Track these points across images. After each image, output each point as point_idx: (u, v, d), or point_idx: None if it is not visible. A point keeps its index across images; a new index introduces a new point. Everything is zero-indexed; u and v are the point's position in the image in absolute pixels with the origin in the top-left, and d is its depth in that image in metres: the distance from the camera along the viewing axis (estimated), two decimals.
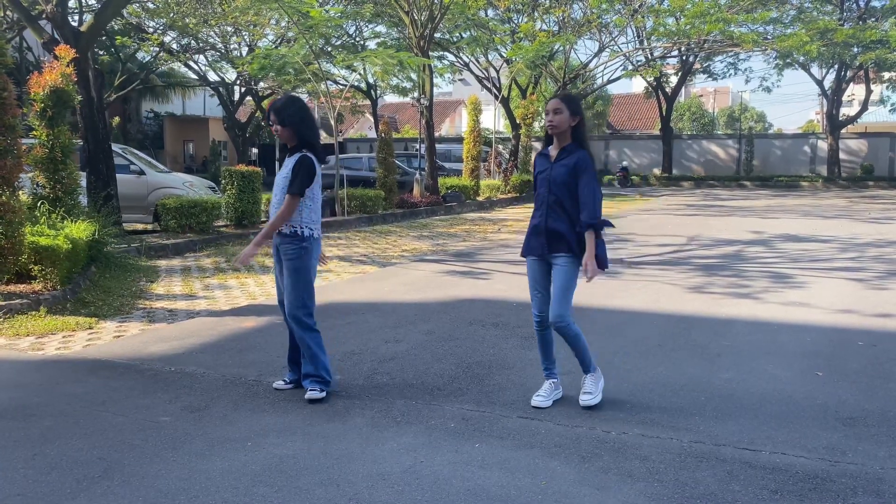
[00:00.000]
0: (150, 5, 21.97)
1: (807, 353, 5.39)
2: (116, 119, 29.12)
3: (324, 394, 4.34)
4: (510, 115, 27.65)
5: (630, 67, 29.10)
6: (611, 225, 4.23)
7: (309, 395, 4.32)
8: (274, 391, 4.52)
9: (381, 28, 25.71)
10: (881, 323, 6.32)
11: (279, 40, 26.14)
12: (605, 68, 27.53)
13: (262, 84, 27.02)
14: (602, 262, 4.09)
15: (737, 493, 3.15)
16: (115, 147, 12.40)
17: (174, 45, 25.37)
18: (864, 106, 32.76)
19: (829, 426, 3.93)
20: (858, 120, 34.00)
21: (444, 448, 3.63)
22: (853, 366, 5.04)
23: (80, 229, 7.87)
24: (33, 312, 6.43)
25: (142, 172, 12.97)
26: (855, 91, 39.06)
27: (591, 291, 7.50)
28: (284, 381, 4.60)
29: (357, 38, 26.11)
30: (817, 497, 3.12)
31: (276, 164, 14.39)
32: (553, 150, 4.21)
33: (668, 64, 33.77)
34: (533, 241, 4.24)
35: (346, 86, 25.16)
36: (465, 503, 3.06)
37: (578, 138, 4.15)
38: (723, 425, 3.93)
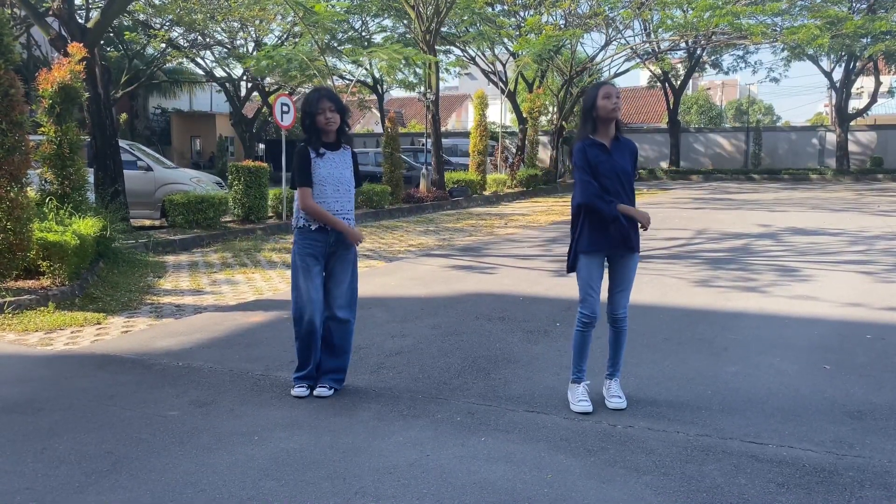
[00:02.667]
0: (157, 1, 21.99)
1: (814, 346, 5.37)
2: (124, 115, 29.20)
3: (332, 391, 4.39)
4: (517, 109, 27.57)
5: (637, 60, 28.97)
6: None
7: (318, 391, 4.35)
8: (281, 385, 4.53)
9: (387, 22, 25.69)
10: (889, 316, 6.29)
11: (285, 35, 26.15)
12: (611, 62, 27.38)
13: (268, 80, 27.03)
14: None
15: (743, 487, 3.14)
16: (123, 143, 12.44)
17: (181, 41, 25.40)
18: (874, 98, 32.53)
19: (836, 419, 3.92)
20: (868, 112, 33.75)
21: (450, 442, 3.64)
22: (861, 359, 5.02)
23: (88, 225, 7.91)
24: (42, 308, 6.47)
25: (149, 168, 13.00)
26: (864, 83, 38.76)
27: None
28: (306, 386, 4.38)
29: (363, 33, 26.08)
30: (824, 490, 3.12)
31: (284, 158, 14.32)
32: (603, 139, 4.01)
33: (675, 58, 33.59)
34: (610, 234, 3.98)
35: (351, 81, 25.15)
36: (471, 497, 3.07)
37: (621, 128, 4.09)
38: (729, 419, 3.93)
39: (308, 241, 4.32)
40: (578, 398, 4.10)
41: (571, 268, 4.19)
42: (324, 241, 4.32)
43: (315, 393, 4.34)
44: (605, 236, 3.99)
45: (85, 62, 9.03)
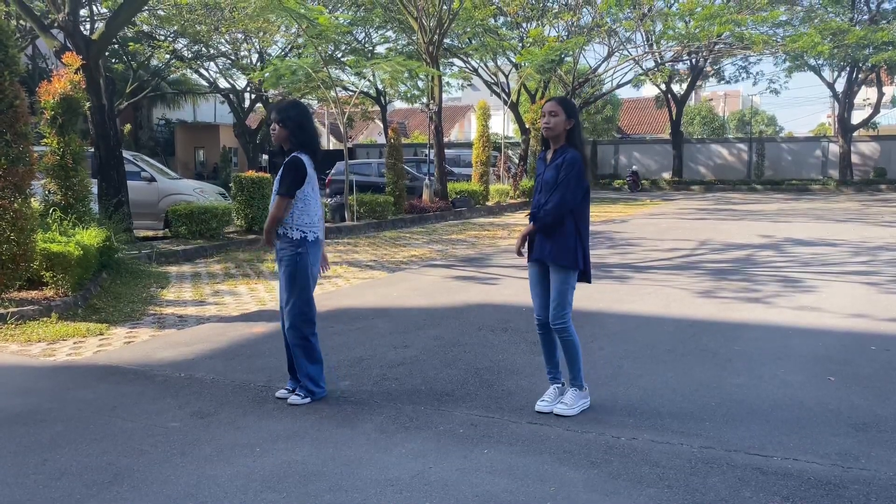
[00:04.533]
0: (161, 13, 22.12)
1: (818, 357, 5.34)
2: (128, 126, 29.33)
3: (307, 400, 4.37)
4: (519, 119, 27.64)
5: (640, 73, 29.04)
6: (546, 223, 4.14)
7: (291, 399, 4.39)
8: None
9: (390, 34, 25.80)
10: (894, 327, 6.25)
11: (289, 47, 26.27)
12: (614, 73, 27.47)
13: (272, 91, 27.14)
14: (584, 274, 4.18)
15: (748, 499, 3.12)
16: (126, 154, 12.48)
17: (185, 53, 25.54)
18: (876, 109, 32.54)
19: (841, 431, 3.89)
20: (870, 123, 33.76)
21: (452, 454, 3.62)
22: (866, 371, 4.99)
23: (92, 236, 7.92)
24: (45, 319, 6.47)
25: (152, 179, 13.04)
26: (868, 94, 38.78)
27: (600, 296, 7.48)
28: (287, 389, 4.56)
29: (366, 44, 26.20)
30: (830, 503, 3.09)
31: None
32: (549, 154, 4.21)
33: (678, 69, 33.66)
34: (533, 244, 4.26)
35: (355, 92, 25.23)
36: None
37: (573, 141, 4.13)
38: (734, 431, 3.90)
39: (317, 251, 4.47)
40: (540, 398, 4.28)
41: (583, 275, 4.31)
42: (318, 244, 4.49)
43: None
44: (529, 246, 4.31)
45: (88, 73, 9.07)
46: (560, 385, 4.30)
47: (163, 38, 23.97)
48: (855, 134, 32.72)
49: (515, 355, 5.44)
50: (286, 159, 4.40)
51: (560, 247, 4.09)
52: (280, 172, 4.38)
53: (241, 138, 29.58)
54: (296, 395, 4.39)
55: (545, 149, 4.26)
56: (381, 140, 38.92)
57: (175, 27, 22.57)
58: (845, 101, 31.99)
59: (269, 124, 4.50)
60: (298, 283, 4.38)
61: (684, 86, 35.36)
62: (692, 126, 50.51)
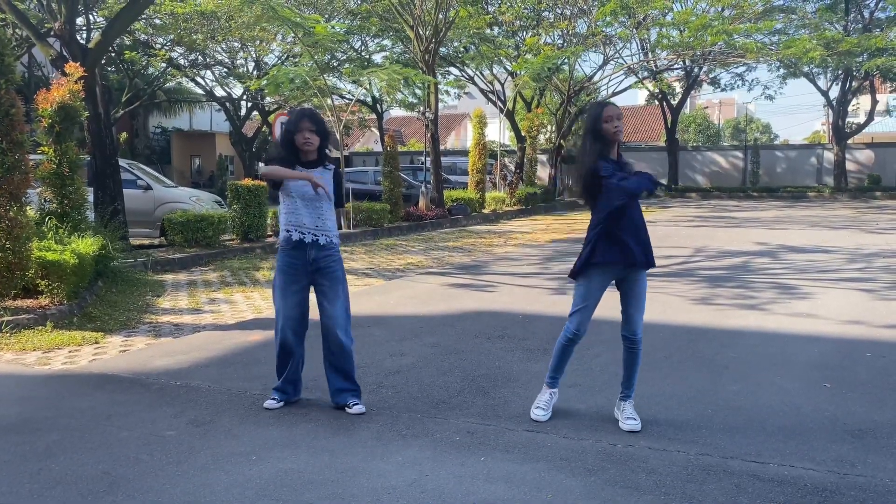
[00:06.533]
0: (157, 21, 22.15)
1: (814, 364, 5.35)
2: (124, 134, 29.30)
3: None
4: (515, 127, 27.69)
5: (635, 80, 29.14)
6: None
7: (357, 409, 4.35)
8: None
9: (386, 42, 25.87)
10: (889, 334, 6.27)
11: (285, 55, 26.31)
12: (609, 80, 27.55)
13: (268, 99, 27.17)
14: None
15: None
16: (122, 162, 12.46)
17: (181, 61, 25.56)
18: (871, 116, 32.67)
19: (837, 438, 3.90)
20: (865, 130, 33.89)
21: (449, 462, 3.62)
22: (861, 377, 5.00)
23: (87, 244, 7.90)
24: (40, 327, 6.44)
25: (149, 187, 13.03)
26: (860, 102, 38.97)
27: None
28: (274, 399, 4.48)
29: (363, 53, 26.25)
30: None
31: None
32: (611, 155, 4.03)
33: (673, 76, 33.78)
34: (627, 248, 4.01)
35: (351, 100, 25.27)
36: None
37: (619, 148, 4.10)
38: (730, 437, 3.91)
39: (286, 257, 4.36)
40: (538, 404, 4.20)
41: (575, 274, 4.14)
42: (302, 258, 4.33)
43: (351, 411, 4.33)
44: (623, 251, 4.00)
45: (85, 82, 9.07)
46: (555, 391, 4.28)
47: (159, 46, 23.97)
48: (850, 141, 32.84)
49: (512, 363, 5.44)
50: (333, 171, 4.38)
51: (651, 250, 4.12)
52: (339, 182, 4.42)
53: (237, 146, 29.55)
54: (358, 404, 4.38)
55: (606, 154, 4.01)
56: (378, 148, 38.92)
57: (171, 36, 22.59)
58: (839, 109, 32.13)
59: (297, 132, 4.25)
60: (345, 283, 4.41)
61: (679, 92, 35.48)
62: (687, 134, 50.68)
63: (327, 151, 4.44)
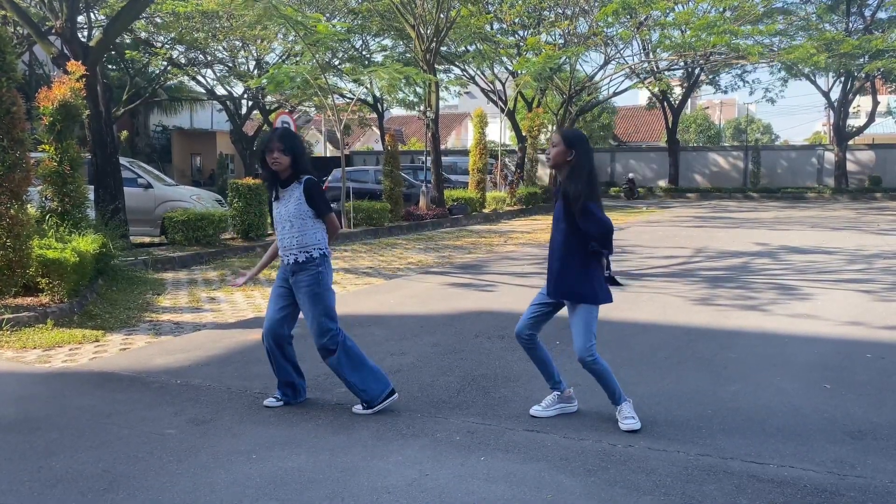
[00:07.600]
0: (158, 20, 22.15)
1: (814, 365, 5.36)
2: (125, 133, 29.30)
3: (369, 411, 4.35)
4: (516, 127, 27.70)
5: (636, 80, 29.13)
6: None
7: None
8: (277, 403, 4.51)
9: (387, 41, 25.87)
10: (889, 335, 6.28)
11: (286, 54, 26.31)
12: (610, 80, 27.56)
13: (269, 98, 27.16)
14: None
15: None
16: (123, 160, 12.46)
17: (182, 60, 25.56)
18: (871, 117, 32.66)
19: (837, 439, 3.90)
20: (865, 131, 33.88)
21: (449, 461, 3.62)
22: (861, 378, 5.01)
23: (88, 242, 7.91)
24: (40, 325, 6.45)
25: (149, 186, 13.03)
26: (861, 103, 38.95)
27: None
28: (275, 397, 4.54)
29: (364, 52, 26.26)
30: None
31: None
32: None
33: (673, 77, 33.77)
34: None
35: (352, 99, 25.27)
36: None
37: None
38: (730, 438, 3.91)
39: (280, 269, 4.53)
40: (540, 403, 4.33)
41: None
42: (285, 273, 4.46)
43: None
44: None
45: (86, 80, 9.08)
46: (557, 394, 4.31)
47: (160, 45, 23.98)
48: (850, 142, 32.83)
49: (512, 363, 5.44)
50: (306, 182, 4.33)
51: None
52: (311, 195, 4.32)
53: (237, 145, 29.56)
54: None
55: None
56: (378, 147, 38.94)
57: (173, 34, 22.59)
58: (840, 110, 32.13)
59: (267, 152, 4.31)
60: (324, 299, 4.39)
61: (680, 92, 35.47)
62: (688, 134, 50.71)
63: (298, 168, 4.35)
